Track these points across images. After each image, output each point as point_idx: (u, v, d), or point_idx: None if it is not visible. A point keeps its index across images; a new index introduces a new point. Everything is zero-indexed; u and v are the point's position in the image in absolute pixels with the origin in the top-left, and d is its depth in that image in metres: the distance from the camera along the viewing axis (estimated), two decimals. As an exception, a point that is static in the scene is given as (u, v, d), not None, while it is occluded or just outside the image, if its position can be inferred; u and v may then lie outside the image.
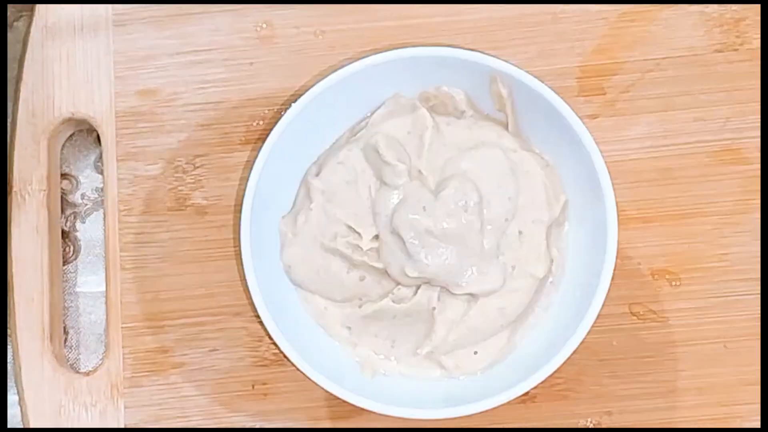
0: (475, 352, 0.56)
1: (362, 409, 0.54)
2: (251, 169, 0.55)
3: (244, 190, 0.55)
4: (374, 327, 0.57)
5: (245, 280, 0.54)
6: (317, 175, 0.57)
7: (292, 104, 0.55)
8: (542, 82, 0.55)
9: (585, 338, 0.57)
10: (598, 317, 0.57)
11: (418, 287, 0.56)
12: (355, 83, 0.56)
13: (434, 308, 0.55)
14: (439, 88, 0.57)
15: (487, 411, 0.56)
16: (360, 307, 0.57)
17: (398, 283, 0.56)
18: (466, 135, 0.57)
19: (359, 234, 0.56)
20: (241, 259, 0.55)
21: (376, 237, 0.56)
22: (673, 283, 0.58)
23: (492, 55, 0.59)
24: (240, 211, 0.55)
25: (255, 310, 0.54)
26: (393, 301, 0.56)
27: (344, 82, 0.56)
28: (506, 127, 0.57)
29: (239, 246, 0.55)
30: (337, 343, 0.57)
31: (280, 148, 0.56)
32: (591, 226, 0.55)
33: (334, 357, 0.57)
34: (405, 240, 0.54)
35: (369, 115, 0.58)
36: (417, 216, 0.54)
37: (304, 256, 0.57)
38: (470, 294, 0.55)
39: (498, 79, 0.56)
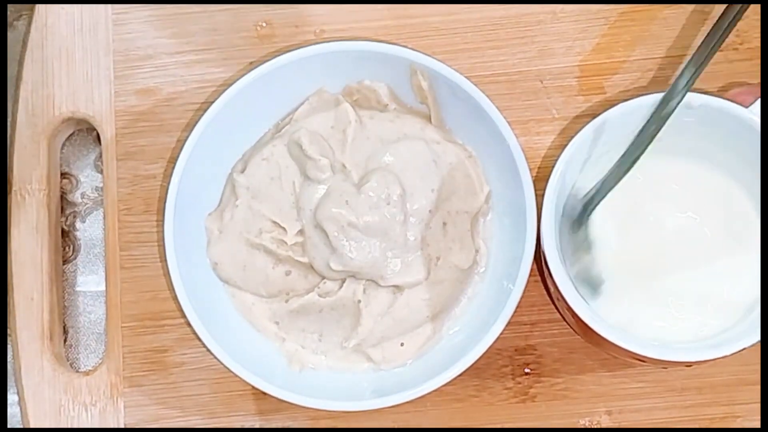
0: (402, 344, 0.57)
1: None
2: (173, 166, 0.55)
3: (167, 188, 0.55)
4: (302, 321, 0.57)
5: (170, 277, 0.55)
6: (242, 171, 0.57)
7: (215, 100, 0.56)
8: (461, 74, 0.55)
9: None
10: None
11: (344, 281, 0.56)
12: (278, 79, 0.56)
13: (360, 301, 0.56)
14: (362, 83, 0.58)
15: (482, 410, 0.56)
16: (287, 301, 0.57)
17: (324, 277, 0.56)
18: (390, 128, 0.57)
19: (284, 229, 0.56)
20: (165, 257, 0.55)
21: (301, 232, 0.56)
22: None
23: (490, 54, 0.59)
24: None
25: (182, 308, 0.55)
26: (319, 295, 0.56)
27: (267, 78, 0.56)
28: (429, 119, 0.58)
29: (163, 244, 0.55)
30: (265, 339, 0.57)
31: (205, 145, 0.56)
32: (514, 216, 0.55)
33: (262, 352, 0.57)
34: (328, 234, 0.55)
35: (293, 110, 0.58)
36: (340, 210, 0.55)
37: (230, 252, 0.57)
38: (395, 286, 0.56)
39: (418, 72, 0.56)
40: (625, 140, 0.53)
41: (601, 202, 0.53)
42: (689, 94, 0.51)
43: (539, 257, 0.54)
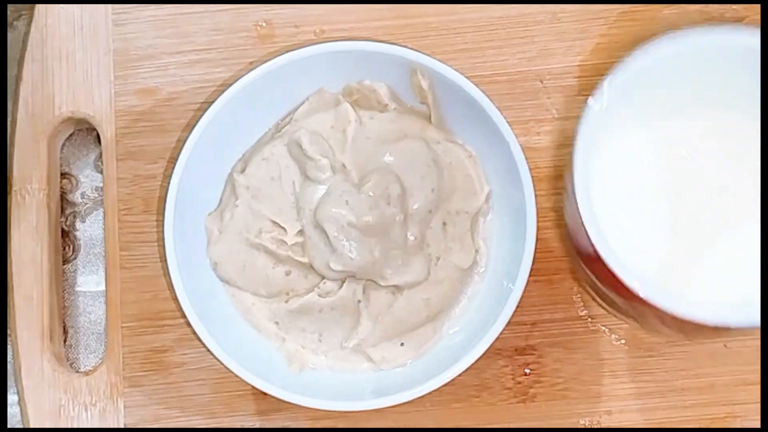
0: (402, 344, 0.57)
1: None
2: (173, 166, 0.55)
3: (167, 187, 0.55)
4: (302, 321, 0.57)
5: (170, 277, 0.55)
6: (242, 171, 0.57)
7: (215, 100, 0.56)
8: (462, 73, 0.55)
9: (585, 338, 0.58)
10: (598, 316, 0.58)
11: (344, 281, 0.56)
12: (278, 79, 0.56)
13: (360, 301, 0.56)
14: (362, 82, 0.58)
15: (482, 410, 0.56)
16: (287, 302, 0.57)
17: (324, 277, 0.56)
18: (390, 128, 0.57)
19: (284, 229, 0.56)
20: (165, 257, 0.55)
21: (301, 232, 0.56)
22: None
23: (490, 54, 0.59)
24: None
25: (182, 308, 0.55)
26: (319, 295, 0.56)
27: (267, 78, 0.56)
28: (429, 119, 0.58)
29: (163, 244, 0.55)
30: (265, 339, 0.57)
31: (205, 145, 0.56)
32: (514, 216, 0.55)
33: (262, 353, 0.57)
34: (328, 234, 0.55)
35: (294, 110, 0.58)
36: (340, 210, 0.55)
37: (230, 252, 0.57)
38: (395, 286, 0.56)
39: (418, 72, 0.56)
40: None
41: (634, 164, 0.51)
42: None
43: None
